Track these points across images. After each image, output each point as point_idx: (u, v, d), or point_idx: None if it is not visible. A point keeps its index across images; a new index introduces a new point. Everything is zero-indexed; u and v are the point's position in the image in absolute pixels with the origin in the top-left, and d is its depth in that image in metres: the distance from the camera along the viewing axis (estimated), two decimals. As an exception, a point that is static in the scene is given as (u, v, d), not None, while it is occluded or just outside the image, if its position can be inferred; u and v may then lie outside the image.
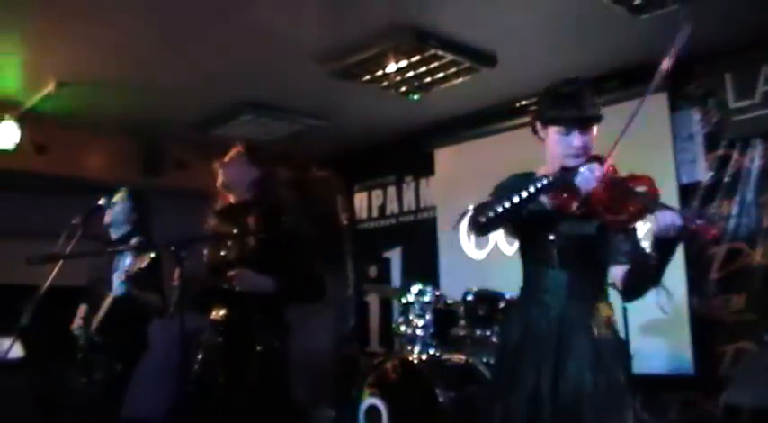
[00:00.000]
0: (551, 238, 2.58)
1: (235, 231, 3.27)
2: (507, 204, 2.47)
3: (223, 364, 3.17)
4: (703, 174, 4.84)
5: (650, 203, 2.31)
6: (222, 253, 3.27)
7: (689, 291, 4.76)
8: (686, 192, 4.87)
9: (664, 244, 2.33)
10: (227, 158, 3.42)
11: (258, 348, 3.13)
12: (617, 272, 2.58)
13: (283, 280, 3.12)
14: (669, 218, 2.24)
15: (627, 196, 2.37)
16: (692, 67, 4.87)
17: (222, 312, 3.21)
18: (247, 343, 3.14)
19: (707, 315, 4.71)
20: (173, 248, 2.79)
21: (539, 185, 2.45)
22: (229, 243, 3.28)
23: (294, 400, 3.40)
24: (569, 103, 2.53)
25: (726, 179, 4.72)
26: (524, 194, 2.45)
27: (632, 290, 2.57)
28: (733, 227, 4.65)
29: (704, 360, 4.67)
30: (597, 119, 2.55)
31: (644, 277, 2.50)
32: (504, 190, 2.59)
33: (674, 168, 4.90)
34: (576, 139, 2.50)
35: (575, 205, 2.45)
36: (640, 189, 2.38)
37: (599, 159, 2.46)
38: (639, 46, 4.69)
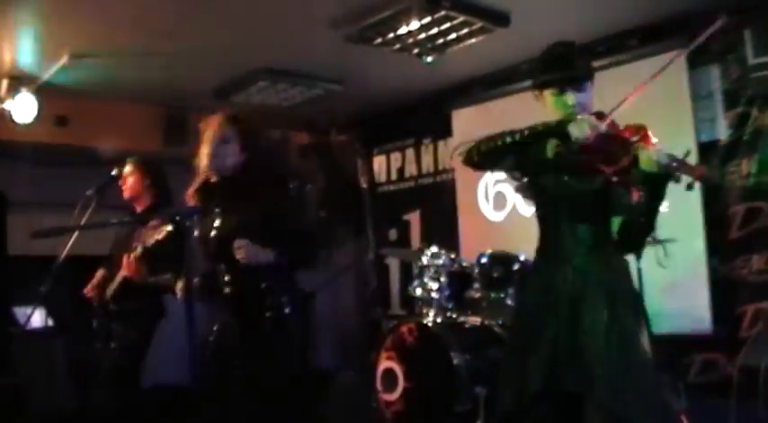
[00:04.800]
0: (561, 194, 2.67)
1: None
2: (500, 142, 2.67)
3: (237, 333, 3.22)
4: (723, 132, 4.73)
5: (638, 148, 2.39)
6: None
7: (708, 251, 4.70)
8: (705, 150, 4.77)
9: (651, 181, 2.43)
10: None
11: (268, 314, 3.17)
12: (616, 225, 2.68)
13: (283, 252, 3.15)
14: (654, 154, 2.34)
15: (621, 147, 2.43)
16: (712, 23, 4.74)
17: (229, 280, 3.23)
18: (258, 311, 3.17)
19: (726, 275, 4.65)
20: (178, 218, 2.81)
21: (532, 129, 2.62)
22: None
23: (311, 364, 3.45)
24: (559, 65, 2.65)
25: (745, 137, 4.60)
26: (517, 135, 2.64)
27: (626, 242, 2.70)
28: (753, 185, 4.56)
29: (724, 321, 4.62)
30: (589, 77, 2.67)
31: (636, 229, 2.62)
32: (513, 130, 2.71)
33: (692, 127, 4.79)
34: (571, 98, 2.61)
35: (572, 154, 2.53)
36: (634, 139, 2.44)
37: (602, 116, 2.52)
38: (658, 2, 4.59)
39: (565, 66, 2.64)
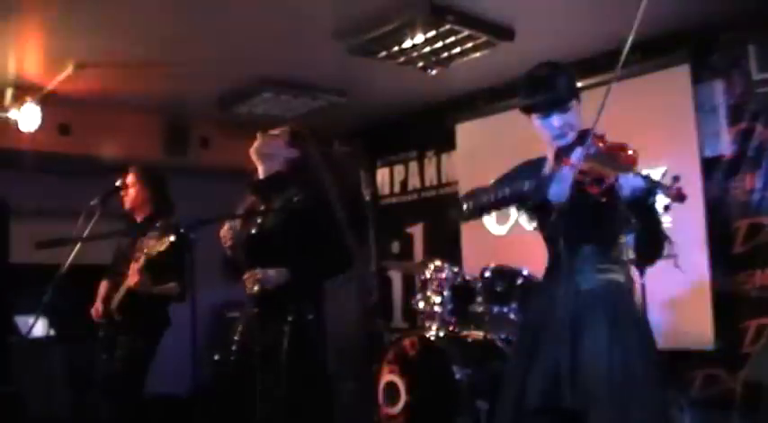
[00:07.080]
0: (555, 216, 2.61)
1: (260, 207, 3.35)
2: (485, 199, 2.71)
3: (259, 334, 3.24)
4: (727, 147, 4.73)
5: (620, 170, 2.38)
6: (252, 230, 3.31)
7: (711, 266, 4.69)
8: (709, 165, 4.77)
9: (635, 206, 2.41)
10: (272, 131, 3.48)
11: (290, 319, 3.18)
12: (630, 240, 2.69)
13: (297, 267, 3.18)
14: (630, 181, 2.33)
15: (605, 167, 2.43)
16: (716, 38, 4.77)
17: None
18: (280, 314, 3.19)
19: (729, 290, 4.63)
20: (182, 230, 2.82)
21: (516, 192, 2.64)
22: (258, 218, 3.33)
23: (328, 371, 3.47)
24: (542, 88, 2.62)
25: (749, 152, 4.60)
26: (500, 195, 2.68)
27: (640, 254, 2.75)
28: (756, 201, 4.56)
29: (726, 336, 4.60)
30: (572, 96, 2.63)
31: (647, 240, 2.63)
32: (500, 181, 2.76)
33: (696, 141, 4.80)
34: (556, 120, 2.60)
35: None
36: (618, 158, 2.43)
37: (587, 134, 2.51)
38: (660, 16, 4.59)
39: (547, 88, 2.61)
